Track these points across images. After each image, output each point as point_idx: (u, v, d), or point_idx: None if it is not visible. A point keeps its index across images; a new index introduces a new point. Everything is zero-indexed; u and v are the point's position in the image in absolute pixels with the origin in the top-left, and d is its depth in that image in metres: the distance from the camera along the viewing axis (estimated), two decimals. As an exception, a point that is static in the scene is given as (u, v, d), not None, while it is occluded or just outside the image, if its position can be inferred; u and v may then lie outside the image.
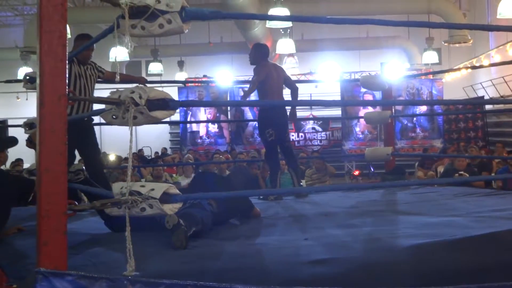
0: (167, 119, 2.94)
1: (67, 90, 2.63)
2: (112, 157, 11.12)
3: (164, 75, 18.55)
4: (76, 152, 5.23)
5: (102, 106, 2.92)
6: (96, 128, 5.65)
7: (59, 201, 2.53)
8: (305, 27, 18.75)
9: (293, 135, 17.44)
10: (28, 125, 5.45)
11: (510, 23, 11.17)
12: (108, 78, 5.78)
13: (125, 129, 2.75)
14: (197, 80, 16.87)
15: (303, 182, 10.56)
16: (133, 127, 2.73)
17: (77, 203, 4.53)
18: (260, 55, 6.23)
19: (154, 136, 19.52)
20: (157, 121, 2.79)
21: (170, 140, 20.48)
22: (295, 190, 6.05)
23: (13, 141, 4.37)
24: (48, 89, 2.55)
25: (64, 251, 2.53)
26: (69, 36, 5.82)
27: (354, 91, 16.07)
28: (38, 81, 2.57)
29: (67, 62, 2.66)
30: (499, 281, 2.75)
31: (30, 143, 4.79)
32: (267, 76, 6.00)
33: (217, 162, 11.06)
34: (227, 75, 17.41)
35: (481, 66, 13.66)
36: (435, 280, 2.78)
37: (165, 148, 19.33)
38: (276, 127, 6.02)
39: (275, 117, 6.04)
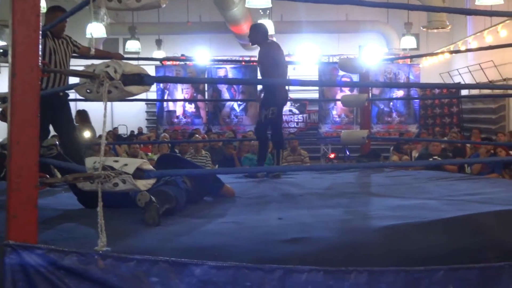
0: (144, 97, 2.91)
1: (40, 62, 2.58)
2: (87, 134, 10.99)
3: (142, 53, 18.40)
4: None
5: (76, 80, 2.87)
6: (72, 104, 5.59)
7: (30, 174, 2.49)
8: (285, 8, 18.67)
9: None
10: (1, 99, 5.36)
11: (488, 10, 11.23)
12: (84, 53, 5.70)
13: (100, 106, 2.71)
14: (174, 58, 16.74)
15: (278, 164, 10.58)
16: (109, 105, 2.70)
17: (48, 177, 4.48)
18: (261, 35, 6.19)
19: (130, 115, 19.38)
20: (132, 96, 2.75)
21: (146, 119, 20.38)
22: (271, 169, 6.07)
23: None
24: (21, 60, 2.50)
25: (34, 224, 2.49)
26: (44, 9, 5.75)
27: (332, 74, 16.09)
28: (10, 52, 2.52)
29: (40, 33, 2.61)
30: (468, 263, 2.79)
31: (3, 116, 4.69)
32: (277, 54, 6.03)
33: (193, 142, 11.02)
34: (205, 54, 17.34)
35: (458, 51, 13.76)
36: (406, 261, 2.81)
37: (141, 128, 19.23)
38: (280, 107, 6.15)
39: (283, 97, 6.14)
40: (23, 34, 2.50)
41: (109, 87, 2.65)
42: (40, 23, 2.58)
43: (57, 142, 4.78)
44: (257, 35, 6.17)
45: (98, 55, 5.77)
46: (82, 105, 9.71)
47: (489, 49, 8.46)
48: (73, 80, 3.97)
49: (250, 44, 6.47)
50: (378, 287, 2.66)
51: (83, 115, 10.10)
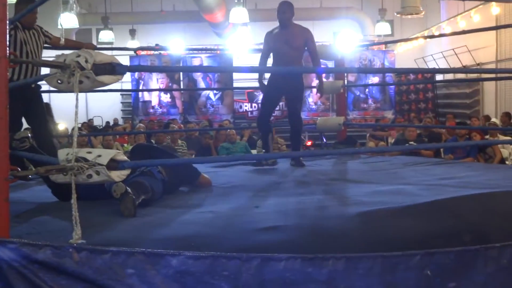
0: (119, 87, 2.87)
1: (8, 52, 2.53)
2: (61, 127, 10.90)
3: (115, 44, 18.25)
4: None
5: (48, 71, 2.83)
6: (44, 96, 5.52)
7: (0, 167, 2.45)
8: (259, -4, 18.66)
9: (246, 106, 17.45)
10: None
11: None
12: (55, 44, 5.65)
13: (74, 98, 2.67)
14: (149, 47, 16.62)
15: (254, 152, 10.59)
16: (83, 96, 2.67)
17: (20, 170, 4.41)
18: (293, 14, 5.77)
19: (105, 107, 19.24)
20: (104, 86, 2.72)
21: (121, 110, 20.23)
22: (246, 157, 6.06)
23: None
24: (-13, 51, 2.45)
25: (6, 218, 2.46)
26: (14, 0, 5.65)
27: (307, 60, 16.06)
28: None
29: (8, 24, 2.56)
30: (445, 247, 2.80)
31: None
32: None
33: (169, 131, 10.97)
34: (180, 43, 17.22)
35: (432, 36, 13.86)
36: (383, 246, 2.81)
37: (117, 119, 19.10)
38: None
39: None
40: (-12, 24, 2.46)
41: (80, 77, 2.61)
42: (7, 13, 2.53)
43: (29, 135, 4.71)
44: (292, 13, 5.73)
45: (70, 45, 5.72)
46: (55, 96, 9.60)
47: (463, 34, 8.50)
48: (45, 71, 3.91)
49: (283, 20, 5.75)
50: (356, 273, 2.66)
51: (46, 109, 9.99)
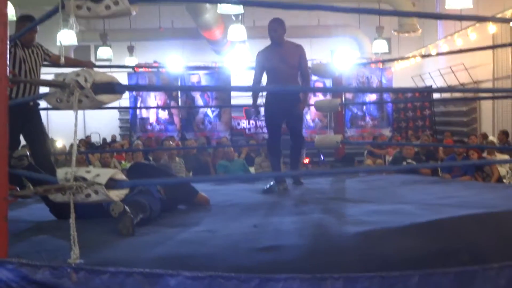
0: (116, 104, 2.88)
1: (8, 72, 2.54)
2: (59, 144, 10.90)
3: (114, 61, 18.31)
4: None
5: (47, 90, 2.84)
6: (43, 113, 5.53)
7: (0, 187, 2.45)
8: (257, 13, 18.66)
9: (244, 123, 17.46)
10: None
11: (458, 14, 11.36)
12: (55, 62, 5.66)
13: (72, 115, 2.68)
14: (147, 65, 16.66)
15: (252, 170, 10.59)
16: (81, 113, 2.67)
17: (19, 189, 4.40)
18: (285, 31, 5.67)
19: (103, 123, 19.25)
20: (103, 105, 2.73)
21: (119, 127, 20.21)
22: (246, 177, 6.04)
23: None
24: (-13, 71, 2.46)
25: (5, 238, 2.45)
26: (14, 17, 5.69)
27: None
28: (-23, 62, 2.49)
29: (8, 43, 2.57)
30: (444, 267, 2.80)
31: None
32: None
33: (167, 149, 10.97)
34: (178, 61, 17.28)
35: (429, 55, 13.90)
36: (382, 266, 2.81)
37: (115, 135, 19.08)
38: None
39: None
40: (-11, 44, 2.47)
41: (80, 96, 2.62)
42: (8, 33, 2.54)
43: (27, 153, 4.70)
44: (284, 30, 5.62)
45: (70, 63, 5.74)
46: (53, 113, 9.62)
47: (460, 53, 8.55)
48: (44, 89, 3.92)
49: (275, 38, 5.63)
50: (354, 294, 2.66)
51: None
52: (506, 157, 9.93)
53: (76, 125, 2.68)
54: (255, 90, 6.17)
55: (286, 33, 5.64)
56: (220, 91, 16.94)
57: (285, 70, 5.57)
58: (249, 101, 6.14)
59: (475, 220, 3.37)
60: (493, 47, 12.83)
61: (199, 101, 17.08)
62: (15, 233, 3.22)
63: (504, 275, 2.80)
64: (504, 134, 12.55)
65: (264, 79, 5.85)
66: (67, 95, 2.64)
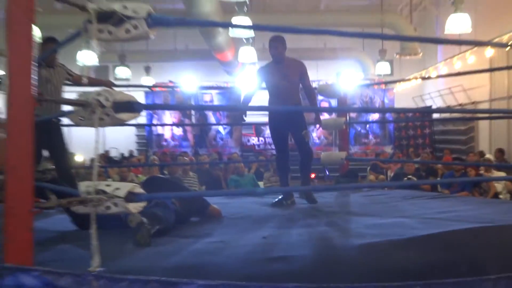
0: (134, 122, 2.91)
1: (35, 91, 2.57)
2: (79, 158, 10.96)
3: (131, 80, 18.40)
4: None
5: (70, 108, 2.87)
6: (65, 129, 5.57)
7: (25, 199, 2.48)
8: (267, 37, 18.72)
9: (253, 139, 17.49)
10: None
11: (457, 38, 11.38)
12: (76, 81, 5.71)
13: (93, 131, 2.71)
14: (162, 84, 16.75)
15: (261, 184, 10.59)
16: (101, 129, 2.69)
17: (43, 201, 4.43)
18: (285, 48, 5.52)
19: (121, 138, 19.28)
20: (123, 122, 2.75)
21: (136, 142, 20.28)
22: (253, 191, 6.04)
23: None
24: (16, 90, 2.49)
25: (30, 247, 2.47)
26: (39, 39, 5.76)
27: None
28: (6, 82, 2.52)
29: (35, 64, 2.61)
30: (443, 278, 2.79)
31: None
32: None
33: (181, 164, 11.00)
34: (192, 80, 17.36)
35: (429, 78, 13.91)
36: (384, 277, 2.81)
37: (132, 150, 19.16)
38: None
39: None
40: (18, 66, 2.50)
41: (101, 114, 2.66)
42: (35, 54, 2.58)
43: (51, 166, 4.74)
44: (284, 49, 5.51)
45: (90, 82, 5.78)
46: (76, 130, 9.68)
47: (459, 75, 8.56)
48: (66, 106, 3.95)
49: (276, 56, 5.51)
50: (358, 303, 2.66)
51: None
52: (502, 174, 9.90)
53: (97, 142, 2.71)
54: (262, 109, 6.03)
55: (295, 55, 5.58)
56: (231, 110, 17.02)
57: (285, 86, 5.44)
58: (259, 119, 6.11)
59: (473, 233, 3.37)
60: (490, 70, 12.79)
61: (212, 119, 17.15)
62: (40, 243, 3.24)
63: (501, 286, 2.79)
64: (500, 152, 12.51)
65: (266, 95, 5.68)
66: (89, 113, 2.67)
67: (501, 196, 9.61)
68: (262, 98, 5.58)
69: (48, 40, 5.51)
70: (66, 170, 5.43)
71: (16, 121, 2.50)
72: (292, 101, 5.46)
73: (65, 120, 5.20)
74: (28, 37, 2.53)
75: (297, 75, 5.49)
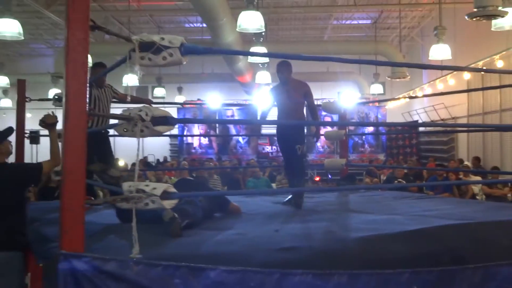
0: (168, 133, 2.92)
1: (87, 108, 2.59)
2: (121, 163, 11.02)
3: (166, 98, 18.52)
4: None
5: (116, 122, 2.89)
6: (111, 139, 5.60)
7: (79, 197, 2.48)
8: (279, 62, 18.82)
9: (267, 148, 17.48)
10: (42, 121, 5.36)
11: (439, 64, 11.31)
12: (121, 99, 5.75)
13: (134, 140, 2.73)
14: (192, 102, 16.83)
15: (274, 185, 10.56)
16: (140, 139, 2.71)
17: (93, 199, 4.45)
18: (291, 71, 5.34)
19: (157, 147, 19.36)
20: (160, 134, 2.76)
21: (170, 150, 20.37)
22: (268, 191, 6.00)
23: (10, 130, 3.97)
24: (72, 106, 2.51)
25: (82, 237, 2.48)
26: (90, 64, 5.81)
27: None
28: (64, 100, 2.53)
29: (88, 85, 2.63)
30: (429, 267, 2.76)
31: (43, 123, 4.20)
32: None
33: (207, 168, 11.02)
34: (217, 99, 17.43)
35: (415, 97, 13.85)
36: (378, 265, 2.78)
37: (166, 156, 19.22)
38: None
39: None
40: (74, 87, 2.52)
41: (142, 127, 2.67)
42: (88, 77, 2.60)
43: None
44: (290, 72, 5.34)
45: (132, 100, 5.82)
46: (120, 140, 9.73)
47: (441, 95, 8.49)
48: (112, 120, 3.98)
49: (282, 79, 5.34)
50: (356, 287, 2.63)
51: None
52: (478, 178, 9.79)
53: (138, 149, 2.72)
54: (274, 123, 5.79)
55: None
56: (248, 123, 17.06)
57: (290, 105, 5.29)
58: (272, 131, 6.02)
59: (454, 228, 3.33)
60: (468, 90, 12.73)
61: (233, 130, 17.17)
62: (90, 234, 3.24)
63: (479, 274, 2.75)
64: (476, 159, 12.40)
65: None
66: (132, 126, 2.68)
67: (477, 197, 9.50)
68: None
69: (98, 65, 5.56)
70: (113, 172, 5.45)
71: (72, 132, 2.51)
72: (295, 117, 5.30)
73: (111, 131, 5.24)
74: (83, 62, 2.54)
75: (301, 95, 5.33)
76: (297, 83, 5.42)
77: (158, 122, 2.70)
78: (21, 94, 5.80)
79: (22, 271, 3.56)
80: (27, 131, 5.92)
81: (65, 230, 2.44)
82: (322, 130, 11.72)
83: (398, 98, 15.07)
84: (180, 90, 19.60)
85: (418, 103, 19.00)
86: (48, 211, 4.39)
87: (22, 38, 9.13)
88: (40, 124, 4.15)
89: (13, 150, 5.74)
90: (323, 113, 15.36)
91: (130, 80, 13.59)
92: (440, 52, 10.29)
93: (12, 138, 4.06)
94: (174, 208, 3.26)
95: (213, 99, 17.25)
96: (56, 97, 5.35)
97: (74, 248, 2.43)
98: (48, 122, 4.01)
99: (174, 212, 3.42)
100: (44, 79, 16.99)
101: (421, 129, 17.14)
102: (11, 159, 4.48)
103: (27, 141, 6.36)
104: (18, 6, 12.23)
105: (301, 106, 5.37)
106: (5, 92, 19.86)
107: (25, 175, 3.72)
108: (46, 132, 4.06)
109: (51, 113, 4.05)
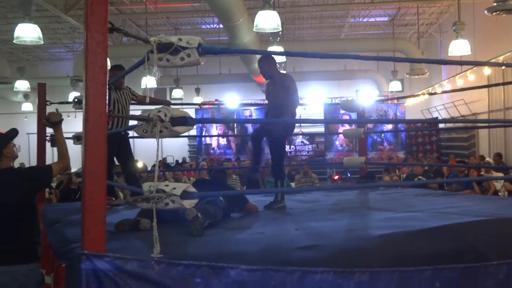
0: (187, 133, 2.92)
1: (107, 109, 2.61)
2: (140, 164, 11.10)
3: (184, 99, 18.60)
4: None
5: (135, 123, 2.91)
6: (131, 140, 5.64)
7: (100, 198, 2.50)
8: (296, 61, 18.78)
9: (286, 147, 17.46)
10: (76, 138, 5.43)
11: (458, 60, 11.17)
12: (140, 100, 5.79)
13: (153, 141, 2.74)
14: (210, 102, 16.88)
15: (292, 184, 10.53)
16: (159, 139, 2.72)
17: (114, 199, 4.48)
18: (273, 66, 4.96)
19: (176, 147, 19.47)
20: (179, 134, 2.77)
21: (188, 151, 20.45)
22: (291, 190, 5.98)
23: (14, 132, 3.55)
24: (92, 108, 2.53)
25: (103, 237, 2.50)
26: (108, 67, 5.86)
27: (335, 113, 16.09)
28: (84, 102, 2.56)
29: (107, 87, 2.65)
30: (450, 264, 2.73)
31: (48, 122, 3.91)
32: (293, 85, 4.84)
33: (226, 168, 11.03)
34: (234, 99, 17.45)
35: (435, 93, 13.70)
36: (399, 263, 2.76)
37: (185, 157, 19.30)
38: (286, 135, 5.25)
39: (292, 127, 5.25)
40: (93, 89, 2.54)
41: (161, 127, 2.68)
42: (107, 78, 2.62)
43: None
44: (270, 66, 4.93)
45: (151, 102, 5.84)
46: (140, 141, 9.78)
47: (461, 91, 8.39)
48: (132, 122, 3.99)
49: (263, 75, 5.01)
50: (377, 285, 2.62)
51: None
52: (500, 174, 9.65)
53: (158, 150, 2.73)
54: (290, 121, 5.39)
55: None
56: (265, 122, 17.02)
57: (270, 100, 5.01)
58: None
59: (477, 225, 3.29)
60: (488, 86, 12.54)
61: (251, 130, 17.16)
62: (111, 233, 3.28)
63: (502, 271, 2.72)
64: (498, 156, 12.23)
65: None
66: (151, 127, 2.70)
67: (500, 194, 9.37)
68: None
69: (116, 68, 5.60)
70: (132, 173, 5.49)
71: (92, 134, 2.53)
72: (274, 113, 4.89)
73: (131, 133, 5.27)
74: (102, 64, 2.56)
75: (280, 89, 4.82)
76: (280, 77, 4.98)
77: (177, 123, 2.71)
78: (42, 97, 5.87)
79: (40, 284, 3.41)
80: (48, 134, 5.98)
81: (86, 230, 2.46)
82: (341, 128, 11.64)
83: (417, 95, 14.91)
84: (197, 91, 19.66)
85: (437, 99, 18.79)
86: (69, 213, 4.44)
87: (42, 42, 9.28)
88: (44, 123, 3.99)
89: (35, 154, 5.82)
90: (342, 111, 15.29)
91: (149, 81, 13.69)
92: (459, 47, 10.17)
93: (33, 141, 4.07)
94: (196, 208, 3.28)
95: (231, 99, 17.29)
96: (76, 100, 5.41)
97: (95, 248, 2.45)
98: (52, 120, 3.78)
99: (197, 211, 3.44)
100: (64, 83, 17.18)
101: (441, 125, 16.96)
102: (30, 161, 4.51)
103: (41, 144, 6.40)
104: (37, 11, 12.39)
105: (283, 101, 4.78)
106: (26, 96, 20.13)
107: (35, 179, 3.41)
108: (65, 135, 3.96)
109: (55, 111, 3.84)
